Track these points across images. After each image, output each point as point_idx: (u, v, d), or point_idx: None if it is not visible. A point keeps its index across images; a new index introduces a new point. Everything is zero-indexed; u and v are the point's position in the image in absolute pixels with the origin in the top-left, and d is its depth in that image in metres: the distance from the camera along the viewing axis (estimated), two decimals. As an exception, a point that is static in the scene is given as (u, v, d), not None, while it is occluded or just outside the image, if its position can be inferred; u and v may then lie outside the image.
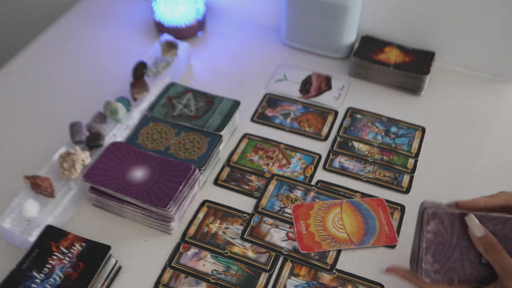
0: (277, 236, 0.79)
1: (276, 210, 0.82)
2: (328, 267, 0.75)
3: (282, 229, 0.79)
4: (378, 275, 0.74)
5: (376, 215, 0.81)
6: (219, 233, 0.79)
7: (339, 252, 0.77)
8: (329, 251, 0.77)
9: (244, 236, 0.78)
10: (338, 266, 0.75)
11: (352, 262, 0.76)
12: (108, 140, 0.86)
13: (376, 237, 0.78)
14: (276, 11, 1.13)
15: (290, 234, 0.79)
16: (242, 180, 0.86)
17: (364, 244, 0.77)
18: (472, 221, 0.56)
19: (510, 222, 0.57)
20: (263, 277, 0.74)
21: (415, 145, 0.91)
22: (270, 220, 0.80)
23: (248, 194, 0.84)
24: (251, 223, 0.80)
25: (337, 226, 0.79)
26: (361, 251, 0.77)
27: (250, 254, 0.76)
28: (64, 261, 0.70)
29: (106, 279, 0.72)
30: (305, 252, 0.76)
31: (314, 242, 0.77)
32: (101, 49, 1.12)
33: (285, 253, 0.76)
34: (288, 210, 0.82)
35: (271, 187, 0.85)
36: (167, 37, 1.03)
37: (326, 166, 0.88)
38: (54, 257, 0.71)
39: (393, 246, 0.78)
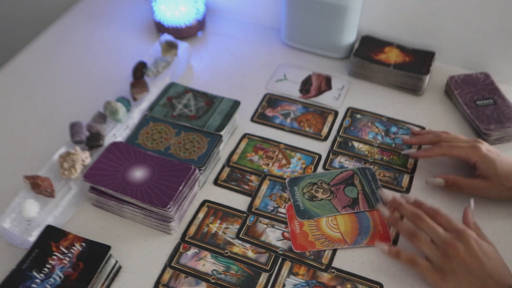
0: (272, 235, 0.78)
1: (270, 210, 0.82)
2: (323, 267, 0.75)
3: (278, 229, 0.79)
4: (378, 275, 0.74)
5: (370, 215, 0.81)
6: (219, 233, 0.79)
7: (334, 251, 0.77)
8: (324, 250, 0.77)
9: (240, 235, 0.78)
10: (338, 266, 0.75)
11: (352, 262, 0.76)
12: (108, 140, 0.86)
13: (370, 237, 0.78)
14: (276, 11, 1.13)
15: (285, 234, 0.79)
16: (242, 180, 0.86)
17: (357, 244, 0.77)
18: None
19: None
20: (263, 277, 0.74)
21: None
22: (266, 220, 0.80)
23: (248, 194, 0.84)
24: (247, 223, 0.80)
25: (331, 226, 0.79)
26: (361, 251, 0.77)
27: (250, 254, 0.76)
28: (64, 261, 0.70)
29: (106, 279, 0.72)
30: (299, 251, 0.76)
31: (308, 241, 0.77)
32: (101, 49, 1.12)
33: (281, 252, 0.76)
34: (282, 210, 0.82)
35: (264, 187, 0.85)
36: (167, 37, 1.03)
37: (326, 166, 0.88)
38: (54, 257, 0.71)
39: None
